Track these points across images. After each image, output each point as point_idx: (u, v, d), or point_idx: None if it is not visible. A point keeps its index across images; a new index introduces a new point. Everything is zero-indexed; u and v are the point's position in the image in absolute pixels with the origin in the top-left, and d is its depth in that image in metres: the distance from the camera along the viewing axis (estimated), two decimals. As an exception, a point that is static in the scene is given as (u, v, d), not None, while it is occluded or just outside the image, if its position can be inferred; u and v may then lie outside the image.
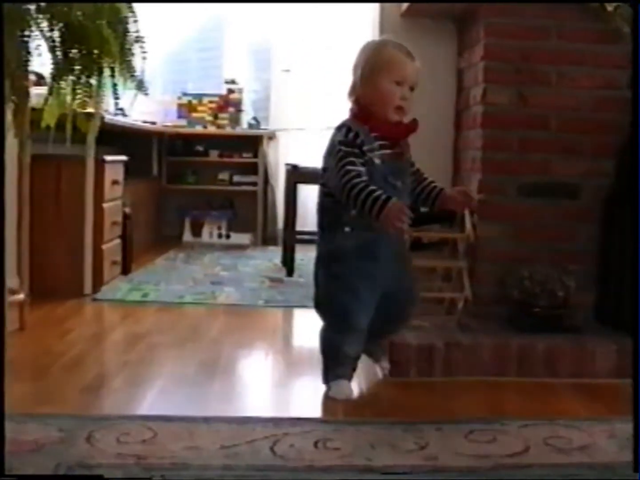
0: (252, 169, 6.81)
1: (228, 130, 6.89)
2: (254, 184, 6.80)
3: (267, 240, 6.80)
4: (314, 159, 6.31)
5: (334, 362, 2.51)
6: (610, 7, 3.01)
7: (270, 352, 3.19)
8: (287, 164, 5.46)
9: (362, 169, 2.38)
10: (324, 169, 2.50)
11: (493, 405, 2.51)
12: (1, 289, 1.40)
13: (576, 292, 2.44)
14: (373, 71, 2.44)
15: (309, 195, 6.78)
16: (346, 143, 2.41)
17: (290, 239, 5.08)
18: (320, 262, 2.57)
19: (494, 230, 3.00)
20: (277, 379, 2.87)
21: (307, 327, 3.85)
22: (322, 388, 2.54)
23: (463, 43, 3.44)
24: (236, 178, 6.88)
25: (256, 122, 6.98)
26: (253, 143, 6.82)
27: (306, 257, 5.62)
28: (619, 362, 2.83)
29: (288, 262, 5.03)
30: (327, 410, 2.40)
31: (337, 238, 2.49)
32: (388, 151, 2.48)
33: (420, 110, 3.48)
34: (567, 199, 2.98)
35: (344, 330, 2.48)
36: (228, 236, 6.81)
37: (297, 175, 5.11)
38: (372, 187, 2.33)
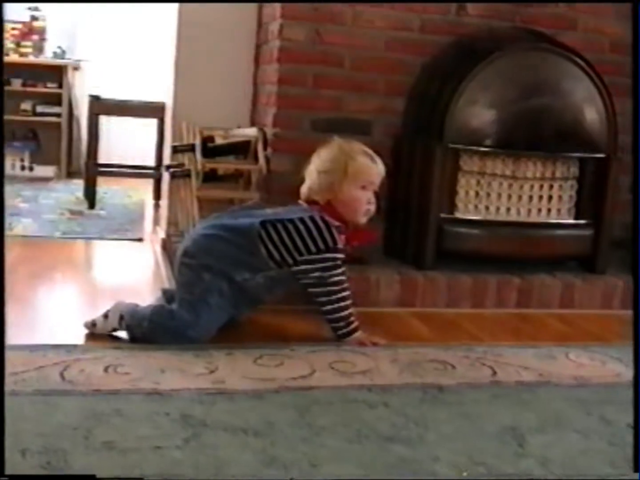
0: (56, 99, 6.64)
1: (31, 58, 6.66)
2: (58, 115, 6.64)
3: (72, 173, 6.68)
4: (118, 91, 6.27)
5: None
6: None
7: (64, 281, 3.17)
8: (90, 95, 5.36)
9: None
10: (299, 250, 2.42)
11: (279, 331, 2.58)
12: (1, 283, 1.37)
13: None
14: (342, 180, 2.46)
15: (112, 127, 6.71)
16: (336, 249, 2.42)
17: (92, 171, 5.02)
18: None
19: (287, 164, 3.06)
20: (72, 307, 2.86)
21: (104, 258, 3.86)
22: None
23: (264, -21, 3.46)
24: (40, 109, 6.69)
25: (61, 52, 6.77)
26: (58, 73, 6.64)
27: (110, 190, 5.58)
28: (402, 292, 2.99)
29: (90, 195, 4.97)
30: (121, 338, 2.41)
31: None
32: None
33: (221, 44, 3.53)
34: (359, 134, 3.07)
35: None
36: (31, 168, 6.66)
37: (99, 106, 5.05)
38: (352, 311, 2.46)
